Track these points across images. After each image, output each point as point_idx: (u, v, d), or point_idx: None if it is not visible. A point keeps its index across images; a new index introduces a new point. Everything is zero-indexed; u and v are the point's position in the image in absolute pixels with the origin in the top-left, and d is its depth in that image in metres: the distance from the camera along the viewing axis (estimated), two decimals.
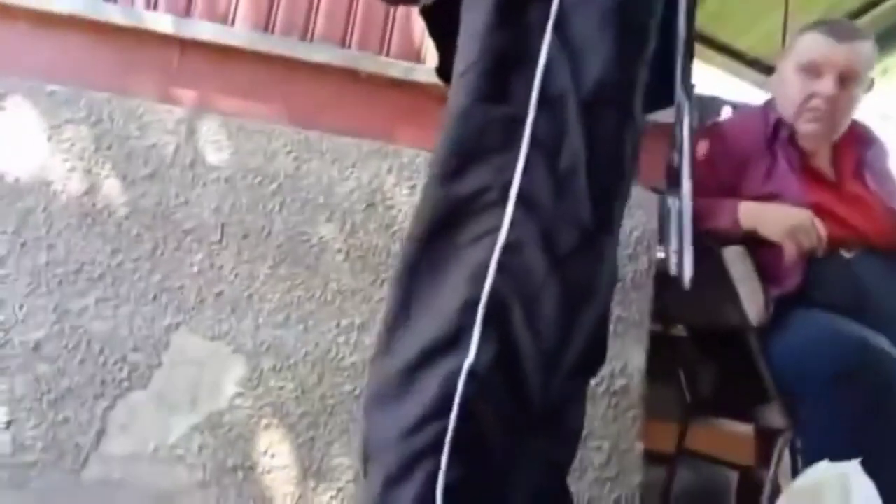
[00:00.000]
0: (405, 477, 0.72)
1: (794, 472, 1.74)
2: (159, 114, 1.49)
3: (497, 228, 0.74)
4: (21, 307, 1.40)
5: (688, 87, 0.95)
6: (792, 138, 1.62)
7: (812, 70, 1.58)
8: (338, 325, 1.43)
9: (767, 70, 3.33)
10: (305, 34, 1.66)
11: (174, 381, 1.39)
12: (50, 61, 1.54)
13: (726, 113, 2.60)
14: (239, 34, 1.60)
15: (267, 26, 1.63)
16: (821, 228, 1.45)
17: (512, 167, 0.74)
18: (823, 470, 1.16)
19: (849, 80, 1.58)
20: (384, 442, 0.75)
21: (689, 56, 0.94)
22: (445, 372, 0.73)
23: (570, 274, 0.75)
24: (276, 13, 1.65)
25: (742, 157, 1.63)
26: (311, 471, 1.37)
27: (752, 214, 1.49)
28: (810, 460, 1.30)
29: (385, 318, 0.82)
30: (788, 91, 1.62)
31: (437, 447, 0.72)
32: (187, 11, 1.62)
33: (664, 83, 0.93)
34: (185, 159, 1.48)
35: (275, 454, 1.38)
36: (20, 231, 1.42)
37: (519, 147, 0.75)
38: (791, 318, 1.49)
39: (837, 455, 1.12)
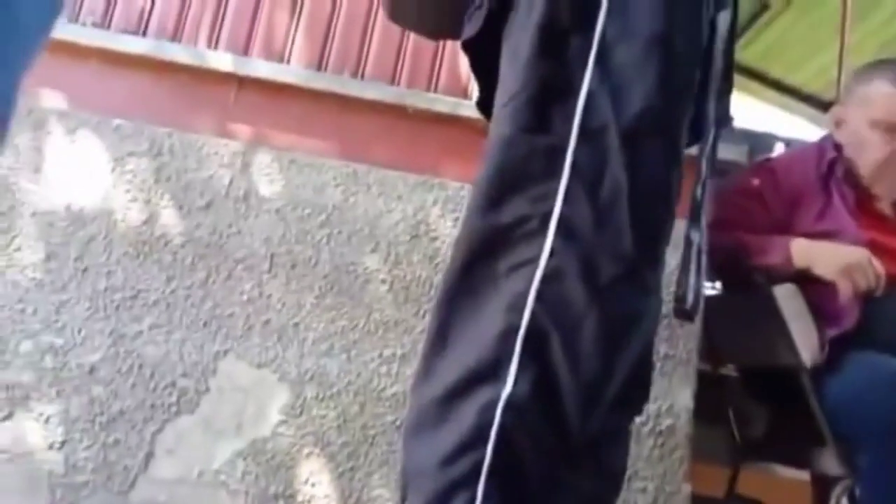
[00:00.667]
0: None
1: None
2: (216, 147, 1.56)
3: (537, 258, 0.74)
4: (80, 331, 1.45)
5: (723, 119, 0.94)
6: (847, 177, 1.58)
7: (890, 127, 1.54)
8: (380, 356, 1.45)
9: (821, 105, 3.27)
10: (357, 72, 1.71)
11: (221, 407, 1.42)
12: (117, 98, 1.63)
13: (779, 149, 2.55)
14: (293, 71, 1.67)
15: (320, 65, 1.70)
16: (878, 267, 1.40)
17: (553, 197, 0.75)
18: None
19: None
20: (422, 469, 0.76)
21: (728, 87, 0.94)
22: (483, 401, 0.73)
23: (610, 305, 0.75)
24: (330, 52, 1.72)
25: (794, 193, 1.60)
26: (351, 501, 1.37)
27: (806, 253, 1.45)
28: None
29: (424, 345, 0.82)
30: (865, 147, 1.57)
31: (473, 476, 0.72)
32: (246, 50, 1.70)
33: (697, 118, 0.93)
34: (238, 191, 1.54)
35: (315, 483, 1.39)
36: (82, 258, 1.49)
37: (560, 177, 0.75)
38: (847, 360, 1.44)
39: None
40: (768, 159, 1.81)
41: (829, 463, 1.48)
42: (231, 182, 1.54)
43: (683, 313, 0.88)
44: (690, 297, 0.87)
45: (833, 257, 1.42)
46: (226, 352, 1.45)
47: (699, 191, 0.89)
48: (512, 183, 0.77)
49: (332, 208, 1.53)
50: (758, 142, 2.46)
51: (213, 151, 1.56)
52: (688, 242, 0.89)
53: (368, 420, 1.41)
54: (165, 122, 1.57)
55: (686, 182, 0.83)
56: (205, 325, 1.47)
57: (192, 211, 1.52)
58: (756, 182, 1.67)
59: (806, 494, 1.97)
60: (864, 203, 1.58)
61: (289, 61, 1.69)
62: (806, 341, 1.51)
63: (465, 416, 0.74)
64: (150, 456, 1.41)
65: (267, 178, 1.55)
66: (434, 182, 1.55)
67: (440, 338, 0.80)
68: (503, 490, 0.72)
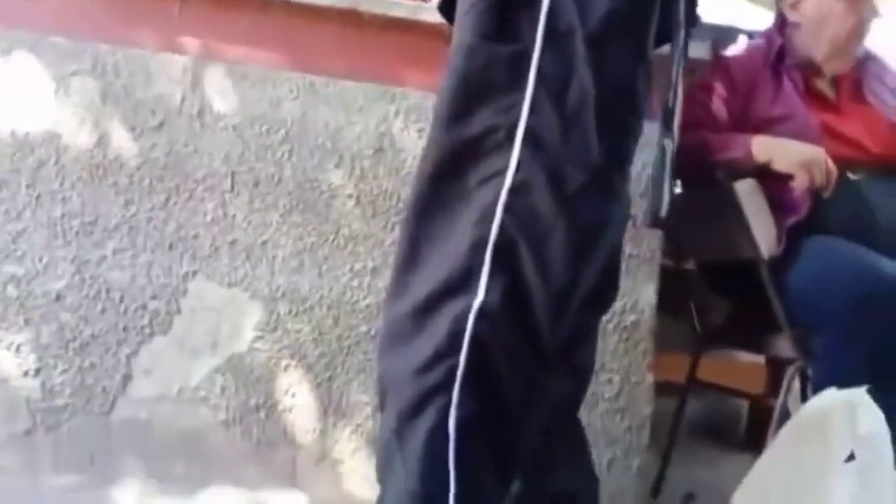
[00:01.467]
0: (419, 412, 0.75)
1: (805, 401, 1.77)
2: (164, 63, 1.49)
3: (504, 169, 0.74)
4: (41, 259, 1.43)
5: (692, 19, 0.93)
6: (797, 64, 1.61)
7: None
8: (351, 270, 1.46)
9: None
10: None
11: (194, 326, 1.43)
12: (51, 13, 1.53)
13: (742, 42, 2.54)
14: None
15: None
16: (832, 166, 1.45)
17: (519, 107, 0.74)
18: (831, 397, 1.18)
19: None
20: (398, 379, 0.78)
21: None
22: (456, 311, 0.75)
23: (578, 213, 0.75)
24: None
25: (748, 85, 1.63)
26: (331, 409, 1.42)
27: (766, 147, 1.49)
28: (821, 389, 1.33)
29: (396, 259, 0.83)
30: (828, 21, 1.58)
31: (448, 383, 0.74)
32: None
33: (664, 19, 0.92)
34: (192, 108, 1.48)
35: (295, 393, 1.43)
36: (34, 185, 1.44)
37: (525, 86, 0.74)
38: (803, 249, 1.50)
39: (849, 384, 1.14)
40: (721, 58, 1.81)
41: (783, 347, 1.57)
42: (183, 99, 1.49)
43: (658, 222, 0.89)
44: (665, 207, 0.89)
45: (792, 152, 1.46)
46: (194, 273, 1.44)
47: (671, 97, 0.89)
48: (477, 93, 0.76)
49: (291, 123, 1.49)
50: (721, 36, 2.43)
51: (161, 67, 1.49)
52: (661, 150, 0.90)
53: (343, 332, 1.43)
54: (107, 38, 1.49)
55: (656, 83, 0.84)
56: (170, 247, 1.45)
57: (145, 131, 1.47)
58: (713, 79, 1.69)
59: (760, 377, 2.10)
60: (810, 86, 1.61)
61: None
62: (764, 234, 1.57)
63: (439, 326, 0.75)
64: (127, 377, 1.42)
65: (220, 94, 1.50)
66: (395, 92, 1.52)
67: (411, 252, 0.80)
68: (477, 394, 0.75)
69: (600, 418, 1.45)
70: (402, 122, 1.51)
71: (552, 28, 0.74)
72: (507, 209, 0.74)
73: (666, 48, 0.90)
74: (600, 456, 1.41)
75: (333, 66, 1.55)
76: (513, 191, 0.74)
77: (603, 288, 0.95)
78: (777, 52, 1.61)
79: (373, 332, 1.43)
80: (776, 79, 1.60)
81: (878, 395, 1.12)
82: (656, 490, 1.70)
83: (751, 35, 2.45)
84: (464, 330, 0.74)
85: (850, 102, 1.63)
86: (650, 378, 1.48)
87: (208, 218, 1.46)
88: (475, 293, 0.74)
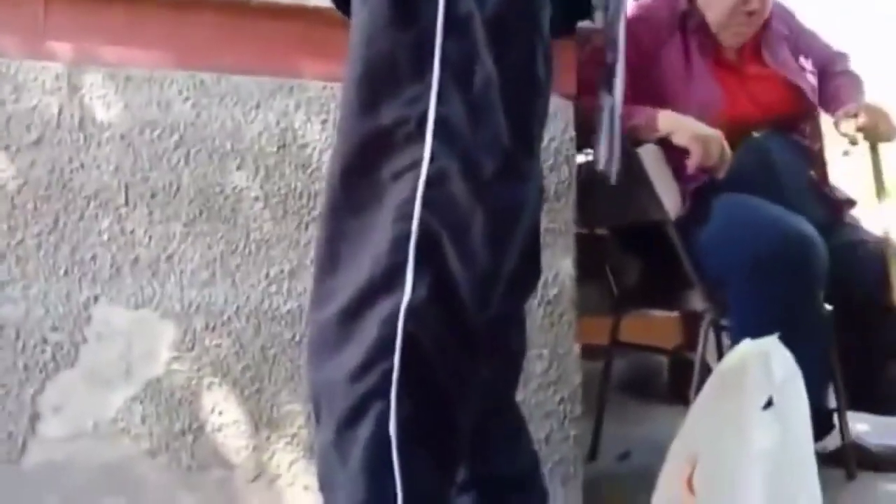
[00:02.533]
0: (357, 420, 0.74)
1: (720, 351, 1.87)
2: (34, 72, 1.36)
3: (419, 162, 0.73)
4: None
5: None
6: (701, 27, 1.66)
7: None
8: (267, 276, 1.40)
9: None
10: None
11: (103, 354, 1.34)
12: None
13: (629, 5, 2.60)
14: None
15: None
16: (727, 149, 1.50)
17: (426, 96, 0.73)
18: (746, 347, 1.24)
19: None
20: (331, 389, 0.76)
21: None
22: (384, 312, 0.73)
23: (494, 198, 0.75)
24: None
25: (653, 45, 1.67)
26: (262, 422, 1.37)
27: (670, 120, 1.54)
28: (737, 340, 1.40)
29: (315, 263, 0.81)
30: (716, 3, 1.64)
31: (384, 387, 0.73)
32: None
33: None
34: (72, 120, 1.37)
35: (222, 412, 1.37)
36: None
37: (431, 74, 0.72)
38: (710, 207, 1.56)
39: (761, 333, 1.21)
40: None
41: (696, 301, 1.64)
42: (61, 110, 1.37)
43: (601, 174, 0.91)
44: (604, 158, 0.90)
45: (692, 128, 1.52)
46: (96, 297, 1.35)
47: (609, 55, 0.90)
48: (382, 84, 0.74)
49: (184, 126, 1.41)
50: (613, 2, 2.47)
51: (32, 77, 1.36)
52: (599, 108, 0.90)
53: (266, 341, 1.38)
54: None
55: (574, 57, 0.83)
56: (65, 273, 1.34)
57: (22, 148, 1.35)
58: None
59: (677, 331, 2.20)
60: (713, 48, 1.67)
61: None
62: (669, 195, 1.63)
63: (368, 329, 0.74)
64: (35, 418, 1.32)
65: (102, 101, 1.39)
66: (293, 84, 1.45)
67: (330, 255, 0.78)
68: (415, 394, 0.74)
69: (534, 394, 1.47)
70: (304, 115, 1.45)
71: (452, 13, 0.72)
72: (425, 202, 0.73)
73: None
74: (537, 431, 1.44)
75: (224, 62, 1.46)
76: (429, 183, 0.73)
77: (526, 271, 0.95)
78: (681, 16, 1.67)
79: (297, 338, 1.38)
80: (683, 43, 1.65)
81: (787, 344, 1.19)
82: (593, 453, 1.75)
83: None
84: (395, 331, 0.73)
85: (751, 64, 1.70)
86: (577, 348, 1.51)
87: (105, 237, 1.36)
88: (402, 291, 0.73)
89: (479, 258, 0.75)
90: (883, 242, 1.64)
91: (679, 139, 1.53)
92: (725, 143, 1.52)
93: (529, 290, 1.02)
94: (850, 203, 1.73)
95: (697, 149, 1.51)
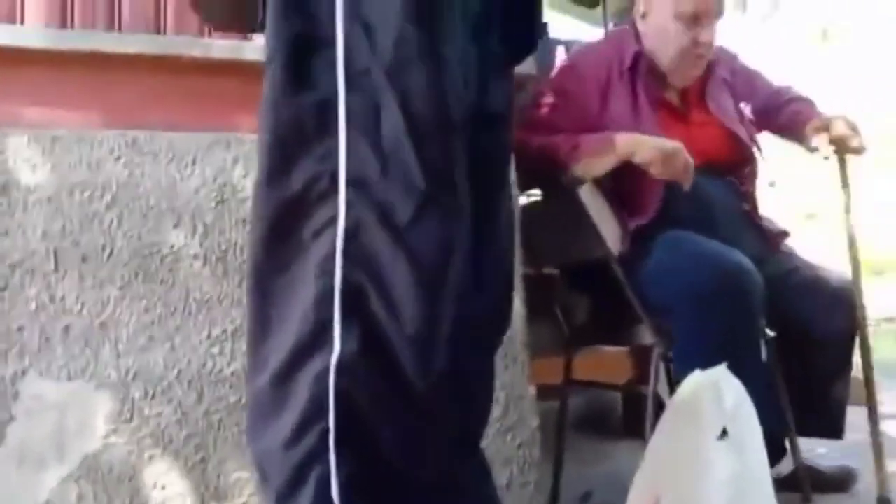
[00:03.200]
0: (297, 486, 0.71)
1: (671, 384, 1.88)
2: None
3: (335, 218, 0.73)
4: None
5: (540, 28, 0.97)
6: (650, 70, 1.69)
7: (694, 20, 1.62)
8: (209, 336, 1.35)
9: (589, 3, 3.45)
10: (111, 23, 1.49)
11: (33, 432, 1.26)
12: None
13: (560, 53, 2.67)
14: (32, 32, 1.41)
15: (64, 20, 1.45)
16: (689, 159, 1.53)
17: (335, 152, 0.73)
18: (696, 379, 1.26)
19: (718, 18, 1.67)
20: (269, 458, 0.74)
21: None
22: (314, 372, 0.72)
23: (415, 243, 0.74)
24: (72, 3, 1.47)
25: (600, 88, 1.68)
26: (210, 493, 1.30)
27: (629, 141, 1.55)
28: (680, 370, 1.41)
29: (247, 335, 0.79)
30: (669, 41, 1.65)
31: (322, 449, 0.71)
32: None
33: (527, 30, 0.94)
34: None
35: (165, 485, 1.29)
36: None
37: (337, 131, 0.73)
38: (653, 243, 1.59)
39: (705, 364, 1.22)
40: (570, 61, 1.88)
41: (644, 335, 1.66)
42: None
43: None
44: None
45: (653, 145, 1.53)
46: (24, 371, 1.27)
47: None
48: (292, 147, 0.74)
49: (116, 185, 1.36)
50: (540, 48, 2.54)
51: None
52: None
53: (210, 406, 1.32)
54: None
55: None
56: None
57: None
58: (561, 81, 1.74)
59: (628, 365, 2.21)
60: (658, 93, 1.71)
61: (23, 21, 1.42)
62: (610, 232, 1.65)
63: (300, 391, 0.72)
64: None
65: (28, 164, 1.33)
66: (230, 138, 1.43)
67: (260, 322, 0.77)
68: (355, 453, 0.72)
69: (492, 440, 1.44)
70: (243, 168, 1.43)
71: (351, 70, 0.74)
72: (345, 255, 0.72)
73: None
74: (498, 478, 1.40)
75: (157, 119, 1.43)
76: (347, 236, 0.73)
77: (495, 318, 0.94)
78: (633, 58, 1.68)
79: (243, 401, 1.32)
80: (631, 88, 1.67)
81: (733, 372, 1.21)
82: (555, 496, 1.73)
83: (567, 45, 2.58)
84: (326, 389, 0.71)
85: (694, 109, 1.74)
86: (532, 390, 1.50)
87: (32, 306, 1.29)
88: (331, 348, 0.71)
89: (408, 306, 0.74)
90: (815, 268, 1.70)
91: (641, 157, 1.53)
92: (687, 154, 1.53)
93: (500, 338, 1.00)
94: (784, 234, 1.79)
95: (661, 167, 1.52)
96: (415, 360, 0.74)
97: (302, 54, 0.74)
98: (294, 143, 0.74)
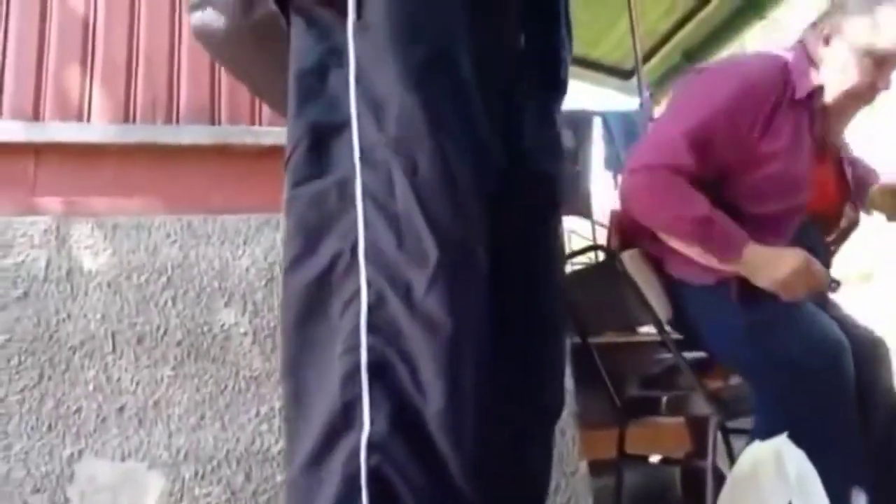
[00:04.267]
0: None
1: (731, 456, 1.79)
2: (22, 228, 1.39)
3: (358, 290, 0.73)
4: None
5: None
6: (822, 107, 1.49)
7: (883, 60, 1.43)
8: (257, 414, 1.36)
9: (624, 74, 3.52)
10: (170, 117, 1.59)
11: None
12: None
13: (597, 124, 2.70)
14: (97, 129, 1.52)
15: (126, 117, 1.56)
16: (818, 269, 1.38)
17: (355, 227, 0.74)
18: (757, 449, 1.20)
19: None
20: None
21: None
22: (346, 452, 0.70)
23: (432, 313, 0.73)
24: (135, 100, 1.58)
25: (767, 108, 1.43)
26: None
27: (751, 263, 1.37)
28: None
29: (283, 424, 0.78)
30: (850, 76, 1.44)
31: None
32: (36, 115, 1.52)
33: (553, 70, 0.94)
34: (59, 271, 1.38)
35: None
36: None
37: (355, 206, 0.75)
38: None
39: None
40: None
41: (699, 405, 1.59)
42: (48, 263, 1.38)
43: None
44: None
45: (773, 275, 1.36)
46: (80, 452, 1.30)
47: None
48: (316, 228, 0.75)
49: (171, 268, 1.41)
50: (578, 119, 2.58)
51: (21, 233, 1.38)
52: None
53: (258, 485, 1.32)
54: None
55: None
56: (49, 428, 1.30)
57: (8, 304, 1.34)
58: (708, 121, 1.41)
59: (686, 436, 2.11)
60: (819, 132, 1.50)
61: (89, 119, 1.53)
62: (657, 300, 1.61)
63: (333, 472, 0.70)
64: None
65: (90, 251, 1.40)
66: (279, 219, 1.48)
67: (293, 405, 0.75)
68: None
69: None
70: None
71: (363, 146, 0.76)
72: (370, 329, 0.71)
73: None
74: None
75: (210, 203, 1.50)
76: (370, 309, 0.72)
77: (550, 392, 0.91)
78: (809, 93, 1.46)
79: None
80: (794, 115, 1.45)
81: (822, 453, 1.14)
82: None
83: (604, 116, 2.60)
84: (358, 469, 0.69)
85: (822, 152, 1.56)
86: (584, 465, 1.45)
87: (90, 387, 1.33)
88: (361, 426, 0.69)
89: (430, 378, 0.71)
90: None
91: (762, 284, 1.37)
92: (813, 264, 1.36)
93: (556, 414, 0.95)
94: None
95: (784, 292, 1.37)
96: (446, 434, 0.72)
97: (323, 138, 0.76)
98: (318, 224, 0.75)
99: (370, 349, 0.71)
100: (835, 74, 1.46)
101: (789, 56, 1.49)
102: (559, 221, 0.97)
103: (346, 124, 0.76)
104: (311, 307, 0.75)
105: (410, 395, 0.71)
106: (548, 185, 0.93)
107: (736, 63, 1.67)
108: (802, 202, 1.46)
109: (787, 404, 1.37)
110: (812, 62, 1.48)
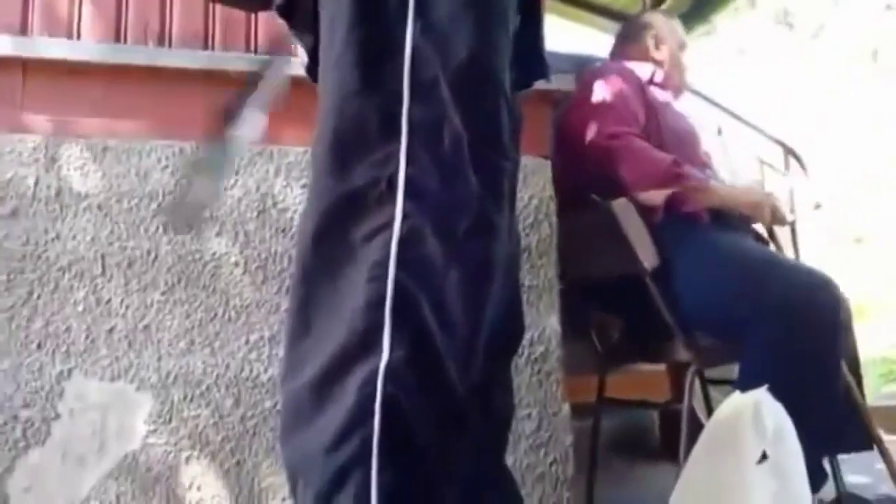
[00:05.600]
0: (337, 491, 0.70)
1: (708, 403, 1.84)
2: (11, 145, 1.36)
3: (390, 223, 0.73)
4: None
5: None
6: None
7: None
8: (247, 342, 1.37)
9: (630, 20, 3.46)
10: (162, 39, 1.55)
11: (76, 430, 1.29)
12: None
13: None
14: (87, 47, 1.48)
15: (118, 36, 1.51)
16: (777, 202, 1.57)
17: (395, 158, 0.73)
18: (736, 400, 1.22)
19: None
20: (308, 461, 0.73)
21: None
22: (362, 377, 0.71)
23: (468, 256, 0.75)
24: (126, 20, 1.53)
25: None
26: (243, 496, 1.32)
27: (723, 195, 1.58)
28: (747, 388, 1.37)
29: (286, 331, 0.78)
30: (674, 65, 1.83)
31: (364, 455, 0.70)
32: (24, 29, 1.47)
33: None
34: (48, 191, 1.36)
35: (201, 486, 1.31)
36: None
37: (399, 137, 0.73)
38: (695, 249, 1.55)
39: (781, 382, 1.19)
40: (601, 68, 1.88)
41: (679, 352, 1.62)
42: (37, 182, 1.36)
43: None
44: None
45: (740, 193, 1.59)
46: (70, 371, 1.31)
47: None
48: (352, 148, 0.75)
49: (162, 194, 1.40)
50: (582, 65, 2.54)
51: (9, 150, 1.36)
52: None
53: (246, 411, 1.34)
54: None
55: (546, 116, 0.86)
56: (38, 346, 1.31)
57: None
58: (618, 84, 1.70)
59: (665, 384, 2.16)
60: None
61: (79, 36, 1.49)
62: (644, 248, 1.62)
63: (346, 395, 0.71)
64: (5, 500, 1.26)
65: (80, 172, 1.38)
66: (272, 150, 1.46)
67: (302, 320, 0.76)
68: (397, 461, 0.71)
69: (525, 456, 1.43)
70: (284, 180, 1.46)
71: (416, 78, 0.74)
72: (399, 262, 0.72)
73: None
74: (530, 495, 1.39)
75: (202, 130, 1.47)
76: (402, 243, 0.72)
77: (509, 330, 0.94)
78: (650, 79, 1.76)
79: (279, 407, 1.34)
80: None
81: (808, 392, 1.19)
82: None
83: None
84: (373, 395, 0.70)
85: None
86: (566, 407, 1.48)
87: (80, 308, 1.33)
88: (379, 354, 0.71)
89: (457, 316, 0.74)
90: None
91: (732, 204, 1.57)
92: (776, 200, 1.57)
93: (513, 350, 1.00)
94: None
95: (753, 210, 1.56)
96: (459, 368, 0.74)
97: (370, 58, 0.75)
98: (355, 143, 0.74)
99: (397, 281, 0.72)
100: (674, 65, 1.85)
101: None
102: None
103: (399, 49, 0.74)
104: (333, 224, 0.75)
105: (432, 328, 0.72)
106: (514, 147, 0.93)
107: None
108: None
109: (780, 347, 1.40)
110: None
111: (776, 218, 1.57)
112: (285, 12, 0.87)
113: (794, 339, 1.38)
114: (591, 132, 1.58)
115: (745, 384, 1.47)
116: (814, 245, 1.83)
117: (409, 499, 0.72)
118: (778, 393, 1.25)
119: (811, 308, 1.40)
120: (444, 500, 0.76)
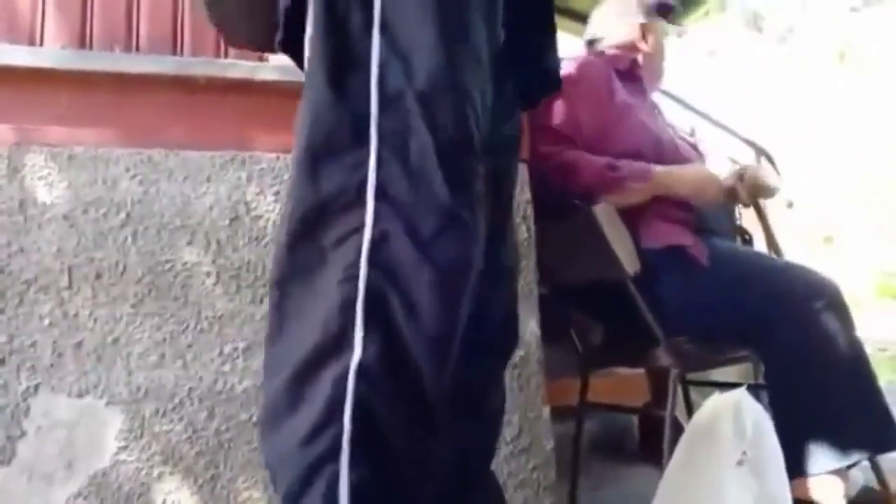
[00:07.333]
0: (307, 486, 0.72)
1: (689, 407, 1.85)
2: None
3: (361, 227, 0.75)
4: None
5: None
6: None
7: None
8: (220, 353, 1.34)
9: None
10: (129, 45, 1.51)
11: (43, 448, 1.25)
12: None
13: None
14: (51, 54, 1.44)
15: (83, 42, 1.47)
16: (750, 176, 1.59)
17: (365, 164, 0.76)
18: (715, 401, 1.23)
19: None
20: (283, 458, 0.75)
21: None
22: (334, 375, 0.73)
23: (437, 256, 0.76)
24: (91, 25, 1.50)
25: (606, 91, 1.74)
26: None
27: (666, 177, 1.60)
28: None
29: (266, 335, 0.80)
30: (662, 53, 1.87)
31: (335, 451, 0.72)
32: None
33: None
34: (10, 202, 1.32)
35: (175, 502, 1.28)
36: None
37: (368, 145, 0.77)
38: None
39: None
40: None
41: (662, 357, 1.62)
42: (0, 192, 1.32)
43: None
44: None
45: (686, 179, 1.60)
46: (36, 387, 1.27)
47: None
48: (323, 154, 0.78)
49: (131, 203, 1.37)
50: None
51: None
52: None
53: (220, 423, 1.31)
54: None
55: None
56: (3, 361, 1.27)
57: None
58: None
59: (645, 389, 2.17)
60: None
61: (41, 42, 1.45)
62: (625, 253, 1.63)
63: (318, 393, 0.73)
64: None
65: (44, 182, 1.34)
66: (244, 156, 1.43)
67: (277, 323, 0.79)
68: (368, 459, 0.72)
69: (505, 462, 1.41)
70: (257, 186, 1.43)
71: (384, 91, 0.78)
72: (371, 263, 0.74)
73: None
74: (512, 500, 1.38)
75: (172, 137, 1.44)
76: (373, 244, 0.75)
77: (504, 334, 0.96)
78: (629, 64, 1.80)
79: (254, 419, 1.31)
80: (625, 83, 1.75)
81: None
82: None
83: None
84: (344, 393, 0.72)
85: None
86: (546, 411, 1.48)
87: (45, 322, 1.29)
88: (351, 352, 0.73)
89: (428, 316, 0.75)
90: None
91: (681, 191, 1.58)
92: (756, 170, 1.60)
93: (507, 354, 1.01)
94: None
95: (700, 196, 1.57)
96: (431, 369, 0.75)
97: (339, 70, 0.78)
98: (326, 150, 0.77)
99: (369, 282, 0.74)
100: (659, 56, 1.90)
101: None
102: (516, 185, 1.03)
103: (364, 64, 0.77)
104: (303, 232, 0.77)
105: (402, 328, 0.74)
106: (500, 181, 0.95)
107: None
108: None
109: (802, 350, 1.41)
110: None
111: (761, 191, 1.57)
112: (286, 47, 0.89)
113: (809, 337, 1.41)
114: (533, 153, 1.62)
115: (773, 390, 1.47)
116: (784, 244, 1.83)
117: (378, 495, 0.73)
118: (809, 392, 1.27)
119: (816, 305, 1.42)
120: (416, 498, 0.76)
